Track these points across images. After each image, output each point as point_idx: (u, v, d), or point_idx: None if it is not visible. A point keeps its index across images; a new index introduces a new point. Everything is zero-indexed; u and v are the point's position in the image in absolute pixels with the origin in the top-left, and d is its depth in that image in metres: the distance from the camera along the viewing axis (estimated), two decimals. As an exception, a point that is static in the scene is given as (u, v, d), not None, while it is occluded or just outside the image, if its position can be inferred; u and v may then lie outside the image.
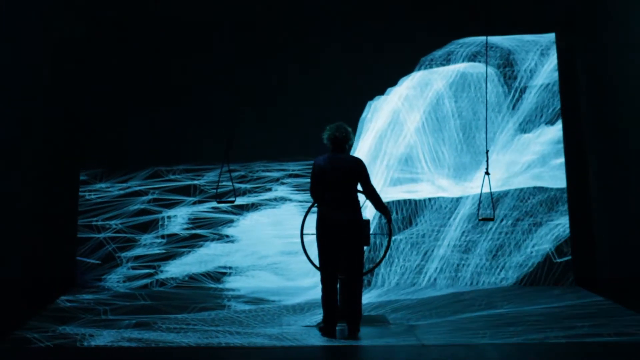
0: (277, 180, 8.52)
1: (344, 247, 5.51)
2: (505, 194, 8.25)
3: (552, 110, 8.36)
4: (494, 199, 7.55)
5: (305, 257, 6.64)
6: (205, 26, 8.49)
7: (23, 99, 7.58)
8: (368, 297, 7.13)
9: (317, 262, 6.03)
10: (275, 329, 5.86)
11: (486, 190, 6.16)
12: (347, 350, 5.35)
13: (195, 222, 8.55)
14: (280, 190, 8.53)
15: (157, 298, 7.10)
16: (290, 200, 8.49)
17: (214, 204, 8.51)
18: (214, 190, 8.48)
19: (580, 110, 8.09)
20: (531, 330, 5.79)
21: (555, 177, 8.21)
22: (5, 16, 7.14)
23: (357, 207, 5.58)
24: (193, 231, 8.51)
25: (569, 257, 7.98)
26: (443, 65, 8.62)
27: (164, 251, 8.37)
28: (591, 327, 5.85)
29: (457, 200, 8.36)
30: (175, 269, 8.27)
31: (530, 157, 8.27)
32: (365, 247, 5.76)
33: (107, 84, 8.23)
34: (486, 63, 7.54)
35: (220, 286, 8.12)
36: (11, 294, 7.19)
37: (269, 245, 8.47)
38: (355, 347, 5.42)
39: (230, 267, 8.39)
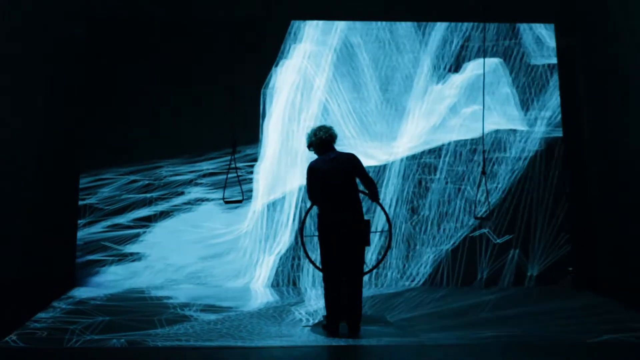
0: (190, 182, 7.70)
1: (345, 246, 5.52)
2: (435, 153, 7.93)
3: (452, 56, 8.01)
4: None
5: (230, 258, 6.89)
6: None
7: (23, 99, 7.39)
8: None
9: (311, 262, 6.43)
10: (284, 341, 5.47)
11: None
12: (347, 350, 5.26)
13: (87, 247, 7.67)
14: (195, 192, 7.77)
15: (111, 313, 6.33)
16: (207, 200, 7.77)
17: (110, 222, 7.77)
18: (108, 207, 7.55)
19: (581, 109, 7.90)
20: (532, 330, 5.76)
21: (469, 128, 7.90)
22: (5, 16, 7.01)
23: (359, 206, 5.62)
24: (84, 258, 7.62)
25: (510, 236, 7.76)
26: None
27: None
28: (592, 328, 5.82)
29: (384, 169, 7.96)
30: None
31: (445, 107, 7.95)
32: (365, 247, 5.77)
33: (107, 83, 7.79)
34: (484, 54, 6.98)
35: (159, 294, 7.22)
36: (10, 295, 6.89)
37: (186, 253, 7.75)
38: (355, 346, 5.32)
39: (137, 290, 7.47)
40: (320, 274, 5.86)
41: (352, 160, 5.66)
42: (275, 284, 7.63)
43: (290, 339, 5.43)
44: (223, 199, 6.56)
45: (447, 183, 7.80)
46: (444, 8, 7.89)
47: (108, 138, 7.74)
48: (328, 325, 5.58)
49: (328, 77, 7.93)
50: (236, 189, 7.25)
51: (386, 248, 6.62)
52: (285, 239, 7.71)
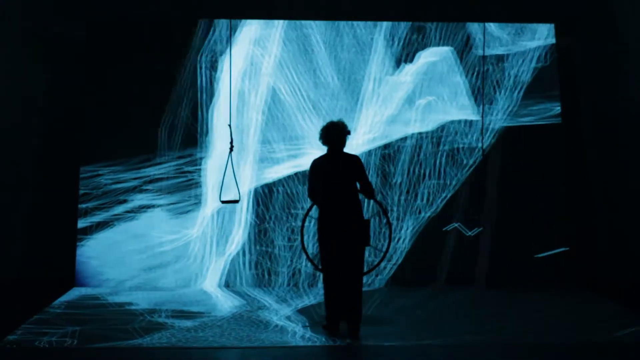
0: (134, 189, 7.17)
1: (345, 246, 5.55)
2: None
3: (401, 43, 7.67)
4: None
5: (179, 266, 6.96)
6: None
7: (23, 99, 7.35)
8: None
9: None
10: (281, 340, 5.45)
11: None
12: (347, 350, 5.28)
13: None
14: (139, 199, 7.32)
15: (78, 322, 5.93)
16: (153, 206, 7.31)
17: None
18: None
19: (580, 109, 7.76)
20: (533, 331, 5.72)
21: (424, 120, 7.62)
22: (5, 16, 6.99)
23: (359, 206, 5.66)
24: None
25: (480, 229, 7.53)
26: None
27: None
28: (591, 327, 5.81)
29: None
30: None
31: (400, 98, 7.62)
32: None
33: (106, 84, 7.56)
34: (483, 52, 6.70)
35: (118, 300, 6.69)
36: (10, 295, 6.78)
37: (127, 265, 7.27)
38: (355, 347, 5.33)
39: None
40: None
41: (355, 162, 5.68)
42: (228, 286, 7.25)
43: (288, 342, 5.35)
44: (220, 199, 6.35)
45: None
46: (443, 8, 7.67)
47: (108, 138, 7.43)
48: (328, 325, 5.60)
49: (276, 61, 7.50)
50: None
51: (385, 249, 6.65)
52: (237, 239, 7.34)
